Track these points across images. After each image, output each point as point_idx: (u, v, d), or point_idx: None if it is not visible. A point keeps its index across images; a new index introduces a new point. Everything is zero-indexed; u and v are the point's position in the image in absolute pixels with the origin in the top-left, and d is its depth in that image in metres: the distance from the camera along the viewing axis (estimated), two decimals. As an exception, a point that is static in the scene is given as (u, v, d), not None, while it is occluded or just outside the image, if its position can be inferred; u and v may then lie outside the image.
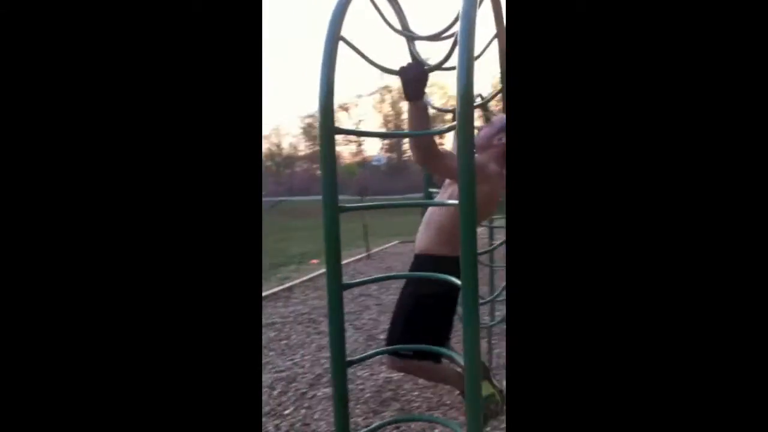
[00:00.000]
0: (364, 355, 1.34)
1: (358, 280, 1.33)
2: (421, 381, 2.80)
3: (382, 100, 43.44)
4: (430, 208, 1.82)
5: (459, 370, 1.75)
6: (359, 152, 44.23)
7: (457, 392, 2.02)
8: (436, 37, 1.52)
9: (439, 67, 1.35)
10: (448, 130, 1.26)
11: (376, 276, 1.67)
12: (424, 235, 1.78)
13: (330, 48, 1.19)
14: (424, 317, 1.66)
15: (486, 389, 1.76)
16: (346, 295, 5.37)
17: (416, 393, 2.66)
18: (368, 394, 2.66)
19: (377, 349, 1.67)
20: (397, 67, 1.42)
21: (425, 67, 1.41)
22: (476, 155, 1.71)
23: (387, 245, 8.99)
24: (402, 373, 2.17)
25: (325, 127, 1.16)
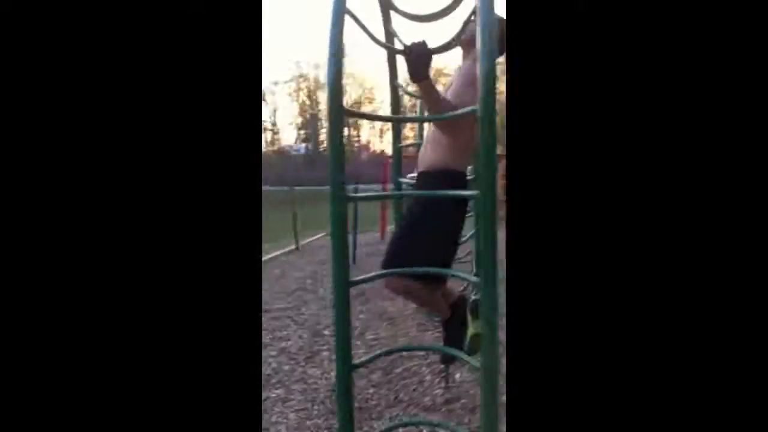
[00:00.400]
0: (371, 356, 1.24)
1: (365, 276, 1.22)
2: (374, 377, 2.73)
3: (299, 89, 42.44)
4: (432, 129, 1.72)
5: (446, 297, 1.69)
6: (274, 141, 43.09)
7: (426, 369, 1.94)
8: (434, 17, 1.44)
9: (446, 48, 1.27)
10: (465, 114, 1.18)
11: (381, 272, 1.52)
12: (431, 153, 1.68)
13: (337, 23, 1.07)
14: (434, 234, 1.57)
15: (474, 327, 1.70)
16: (282, 289, 5.17)
17: (371, 391, 2.59)
18: (323, 394, 2.55)
19: (382, 272, 1.52)
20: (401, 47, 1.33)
21: (429, 48, 1.37)
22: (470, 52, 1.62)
23: (315, 237, 8.79)
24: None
25: (335, 108, 1.04)
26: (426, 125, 1.79)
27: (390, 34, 1.72)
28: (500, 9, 1.73)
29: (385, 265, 1.64)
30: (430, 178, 1.62)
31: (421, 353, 3.08)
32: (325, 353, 3.13)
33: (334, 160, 1.04)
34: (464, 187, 1.61)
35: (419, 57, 1.34)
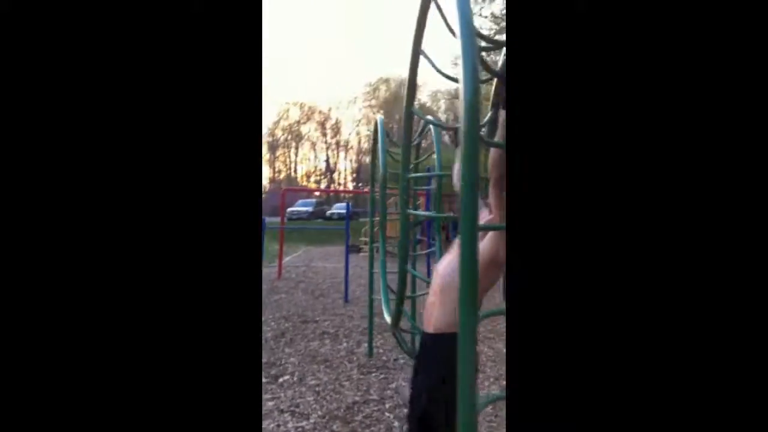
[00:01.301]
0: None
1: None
2: (335, 427, 2.52)
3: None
4: (448, 262, 1.54)
5: None
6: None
7: None
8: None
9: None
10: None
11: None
12: (440, 301, 1.47)
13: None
14: (445, 409, 1.40)
15: None
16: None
17: None
18: None
19: None
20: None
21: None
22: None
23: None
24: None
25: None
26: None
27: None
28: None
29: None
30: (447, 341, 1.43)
31: (378, 397, 2.92)
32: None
33: (468, 188, 0.91)
34: None
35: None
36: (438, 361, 1.43)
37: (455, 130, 1.91)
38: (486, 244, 1.42)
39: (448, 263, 1.54)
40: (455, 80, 1.35)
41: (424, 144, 3.93)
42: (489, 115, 2.03)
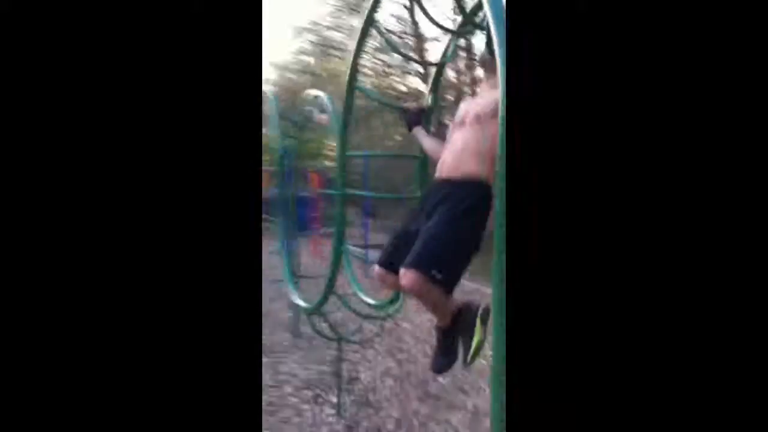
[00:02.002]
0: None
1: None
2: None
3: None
4: (471, 137, 1.58)
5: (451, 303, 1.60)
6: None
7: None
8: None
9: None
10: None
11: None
12: (469, 159, 1.55)
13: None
14: (461, 239, 1.49)
15: (480, 335, 1.61)
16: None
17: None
18: None
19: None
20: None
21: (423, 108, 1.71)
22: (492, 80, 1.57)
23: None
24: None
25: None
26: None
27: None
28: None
29: (420, 260, 1.44)
30: (471, 189, 1.53)
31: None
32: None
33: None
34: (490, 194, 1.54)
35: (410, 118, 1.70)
36: (468, 199, 1.50)
37: (410, 111, 1.90)
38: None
39: (471, 133, 1.58)
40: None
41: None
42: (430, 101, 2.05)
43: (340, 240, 1.99)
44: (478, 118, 1.54)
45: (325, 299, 2.22)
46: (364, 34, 1.80)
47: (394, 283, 1.58)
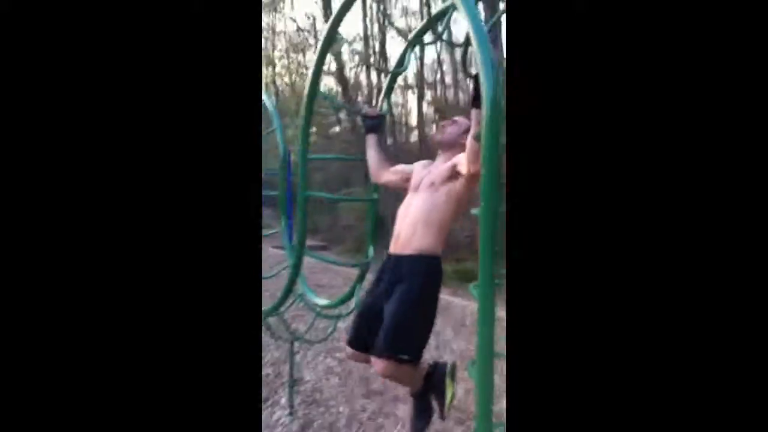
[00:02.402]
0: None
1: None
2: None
3: None
4: (423, 204, 1.68)
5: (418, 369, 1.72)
6: None
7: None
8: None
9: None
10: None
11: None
12: (422, 231, 1.65)
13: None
14: (422, 319, 1.61)
15: (450, 389, 1.74)
16: None
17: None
18: None
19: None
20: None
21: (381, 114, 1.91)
22: (448, 154, 1.71)
23: None
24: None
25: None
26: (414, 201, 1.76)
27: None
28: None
29: (388, 347, 1.55)
30: (427, 262, 1.64)
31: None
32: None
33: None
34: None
35: (369, 123, 1.90)
36: (421, 276, 1.63)
37: (368, 116, 1.98)
38: (460, 189, 1.63)
39: (423, 200, 1.69)
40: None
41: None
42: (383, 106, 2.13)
43: (302, 242, 2.02)
44: (432, 185, 1.68)
45: (283, 300, 2.23)
46: (328, 42, 1.85)
47: (365, 360, 1.71)
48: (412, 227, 1.68)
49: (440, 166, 1.71)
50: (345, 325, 2.49)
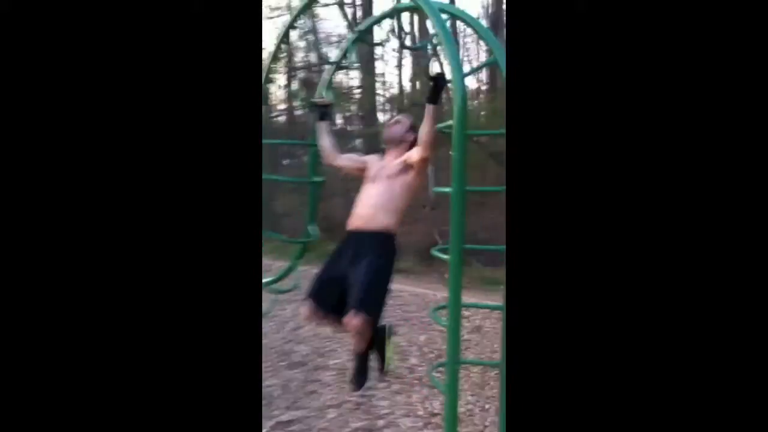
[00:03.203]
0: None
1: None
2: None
3: None
4: (384, 193, 1.95)
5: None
6: None
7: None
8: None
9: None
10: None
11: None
12: (382, 214, 1.93)
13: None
14: (384, 285, 1.91)
15: (390, 349, 2.04)
16: None
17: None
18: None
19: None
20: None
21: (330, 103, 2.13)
22: (395, 149, 1.97)
23: None
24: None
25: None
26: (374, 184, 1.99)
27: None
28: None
29: (363, 305, 1.80)
30: (384, 238, 1.94)
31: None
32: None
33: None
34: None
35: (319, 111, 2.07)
36: (384, 248, 1.92)
37: (318, 105, 2.15)
38: (411, 180, 1.93)
39: (384, 189, 1.96)
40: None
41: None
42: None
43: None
44: (389, 177, 1.97)
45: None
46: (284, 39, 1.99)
47: (322, 318, 1.97)
48: (373, 209, 1.97)
49: (393, 161, 2.00)
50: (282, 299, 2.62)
